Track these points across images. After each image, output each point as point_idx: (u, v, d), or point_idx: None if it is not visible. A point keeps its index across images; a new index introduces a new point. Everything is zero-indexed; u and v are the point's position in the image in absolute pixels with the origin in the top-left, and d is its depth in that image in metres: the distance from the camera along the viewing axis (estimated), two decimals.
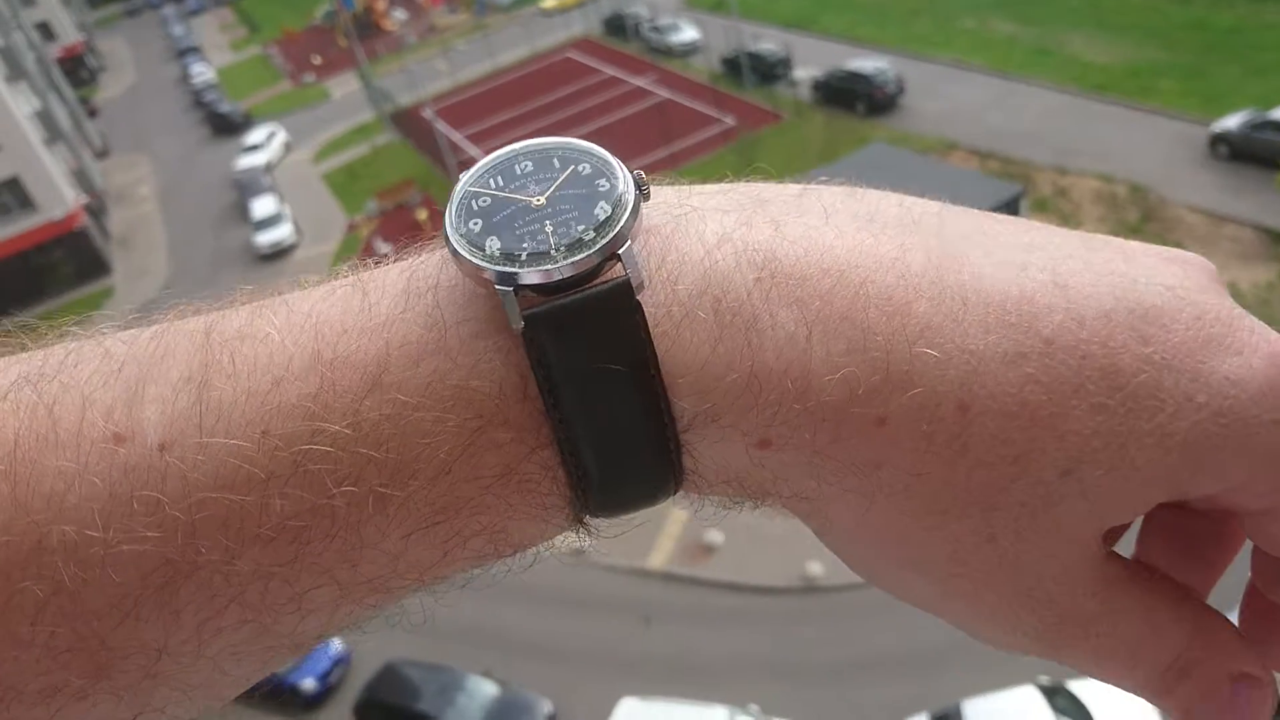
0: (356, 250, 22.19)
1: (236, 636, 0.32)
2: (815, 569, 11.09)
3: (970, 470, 0.33)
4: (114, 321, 0.35)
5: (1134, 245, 0.37)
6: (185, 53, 42.86)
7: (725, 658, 10.76)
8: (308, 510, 0.31)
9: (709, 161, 20.01)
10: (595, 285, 0.33)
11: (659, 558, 12.01)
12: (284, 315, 0.34)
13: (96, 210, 27.62)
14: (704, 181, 0.40)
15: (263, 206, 24.62)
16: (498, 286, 0.33)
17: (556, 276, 0.33)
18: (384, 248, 21.39)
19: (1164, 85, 18.79)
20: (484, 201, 0.36)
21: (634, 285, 0.33)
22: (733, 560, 11.75)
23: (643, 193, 0.36)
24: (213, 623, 0.32)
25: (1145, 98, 18.54)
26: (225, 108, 33.28)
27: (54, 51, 39.55)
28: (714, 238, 0.34)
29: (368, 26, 36.93)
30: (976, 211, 0.39)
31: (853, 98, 20.88)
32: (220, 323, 0.34)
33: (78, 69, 42.77)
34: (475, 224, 0.35)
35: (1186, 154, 16.35)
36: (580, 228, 0.34)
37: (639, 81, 25.70)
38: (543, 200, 0.35)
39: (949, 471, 0.33)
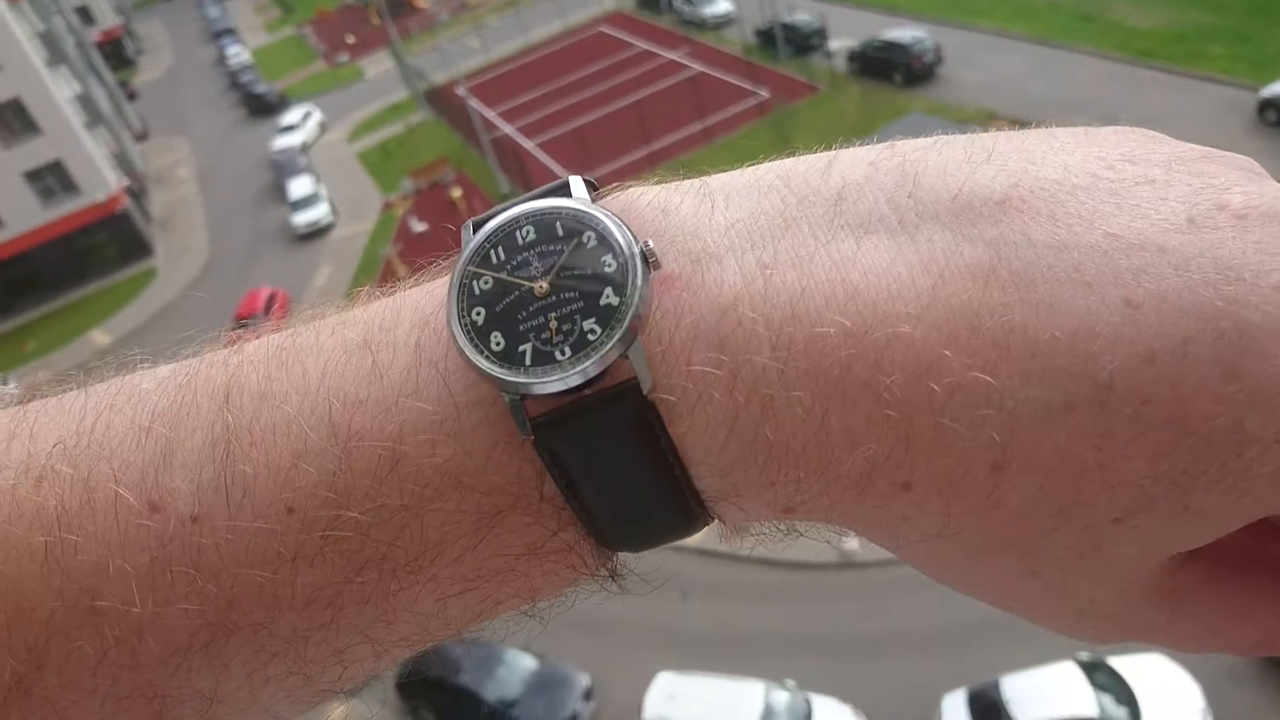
0: (391, 230, 22.32)
1: (286, 685, 0.35)
2: (852, 544, 11.06)
3: (1006, 522, 0.31)
4: (147, 359, 0.37)
5: (1263, 201, 0.31)
6: (221, 34, 43.13)
7: (762, 633, 10.79)
8: (338, 582, 0.33)
9: (743, 135, 19.86)
10: (604, 389, 0.32)
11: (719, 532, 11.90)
12: (299, 376, 0.34)
13: (137, 192, 28.01)
14: (732, 167, 0.37)
15: (299, 186, 24.83)
16: (503, 394, 0.32)
17: (561, 387, 0.32)
18: (418, 226, 21.56)
19: (1211, 50, 18.29)
20: (486, 284, 0.34)
21: (644, 386, 0.31)
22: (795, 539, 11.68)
23: (651, 264, 0.33)
24: (260, 674, 0.34)
25: (1191, 63, 18.07)
26: (261, 89, 33.55)
27: (93, 35, 39.94)
28: (731, 293, 0.32)
29: (400, 5, 36.95)
30: (1056, 157, 0.33)
31: (889, 68, 20.57)
32: (239, 377, 0.34)
33: (116, 52, 43.25)
34: (478, 314, 0.33)
35: (1235, 120, 16.01)
36: (586, 324, 0.32)
37: (672, 55, 25.51)
38: (545, 286, 0.33)
39: (982, 523, 0.32)
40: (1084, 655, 9.27)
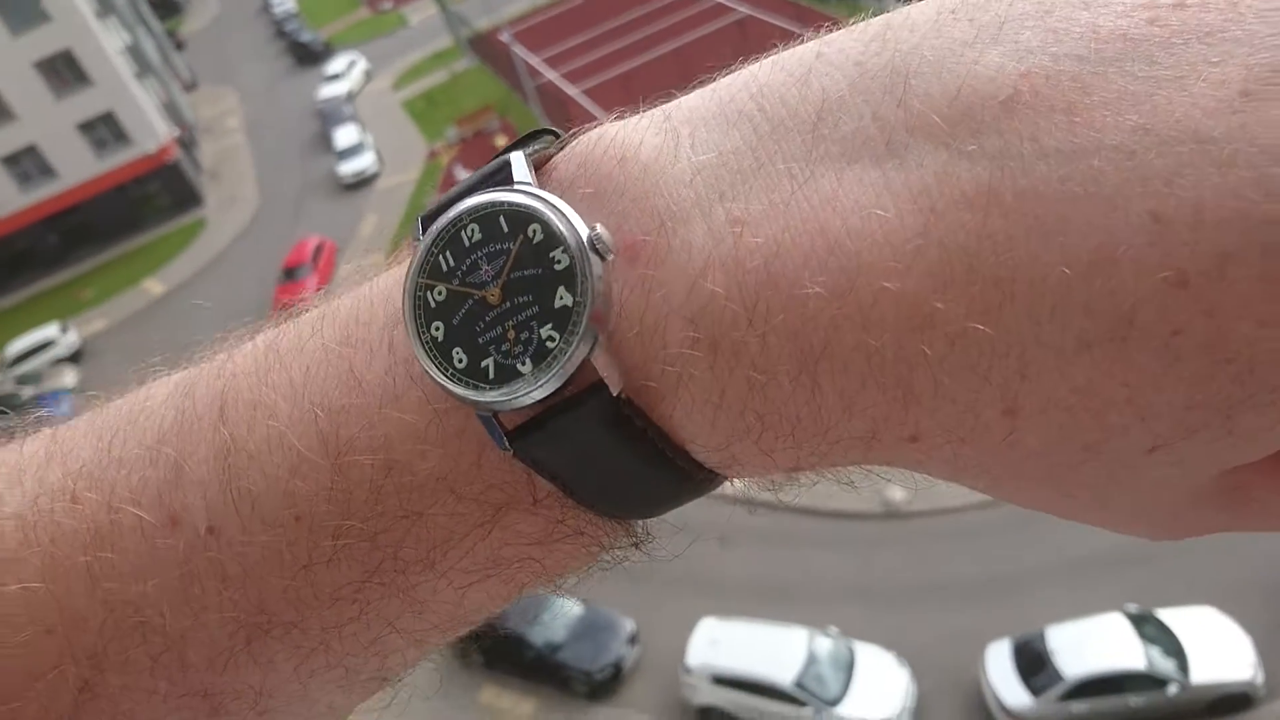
0: (436, 179, 22.35)
1: (329, 676, 0.36)
2: (896, 494, 11.03)
3: (1025, 460, 0.29)
4: (162, 368, 0.38)
5: None
6: None
7: (805, 581, 10.84)
8: (357, 581, 0.33)
9: None
10: (573, 394, 0.31)
11: (738, 481, 11.93)
12: (286, 383, 0.34)
13: (187, 143, 28.29)
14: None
15: (345, 136, 24.88)
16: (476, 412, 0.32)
17: (527, 402, 0.31)
18: (464, 175, 21.41)
19: None
20: (439, 295, 0.32)
21: (612, 386, 0.30)
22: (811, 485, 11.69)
23: (599, 253, 0.30)
24: (304, 667, 0.35)
25: None
26: (306, 37, 33.50)
27: None
28: (701, 260, 0.29)
29: None
30: (1086, 14, 0.27)
31: None
32: (233, 386, 0.35)
33: (164, 1, 43.46)
34: (438, 329, 0.32)
35: None
36: (544, 330, 0.30)
37: None
38: (498, 292, 0.31)
39: (1000, 462, 0.30)
40: (1132, 607, 9.20)
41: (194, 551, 0.33)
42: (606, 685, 10.70)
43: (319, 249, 20.75)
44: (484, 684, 11.08)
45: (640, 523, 0.36)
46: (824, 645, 9.95)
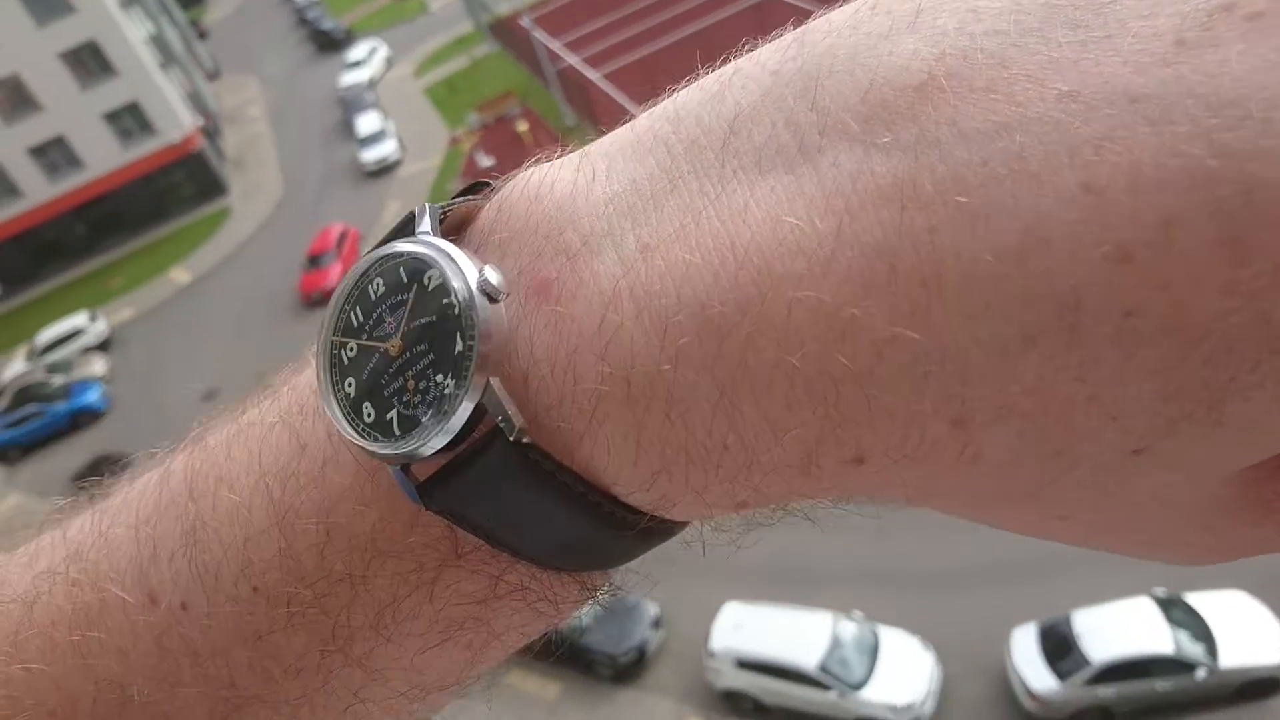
0: (458, 165, 22.38)
1: None
2: None
3: (992, 477, 0.27)
4: (163, 448, 0.39)
5: None
6: None
7: (829, 565, 10.83)
8: (315, 650, 0.33)
9: None
10: (474, 442, 0.30)
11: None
12: (246, 456, 0.34)
13: (211, 132, 28.46)
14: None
15: (367, 123, 24.93)
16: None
17: (429, 453, 0.30)
18: (486, 161, 21.54)
19: None
20: (351, 352, 0.32)
21: (514, 431, 0.29)
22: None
23: (489, 295, 0.29)
24: None
25: None
26: (327, 24, 33.59)
27: None
28: (609, 289, 0.28)
29: None
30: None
31: None
32: (204, 464, 0.35)
33: None
34: (350, 385, 0.32)
35: None
36: (440, 378, 0.30)
37: None
38: (399, 343, 0.31)
39: (966, 482, 0.27)
40: (1159, 591, 9.13)
41: (169, 628, 0.33)
42: (631, 669, 10.74)
43: (343, 236, 20.86)
44: (510, 667, 11.17)
45: (600, 576, 0.34)
46: (848, 629, 9.94)
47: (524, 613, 0.33)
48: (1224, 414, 0.23)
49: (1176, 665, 8.69)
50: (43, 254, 26.42)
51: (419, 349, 0.30)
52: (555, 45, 24.69)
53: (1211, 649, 8.65)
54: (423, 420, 0.30)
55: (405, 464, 0.30)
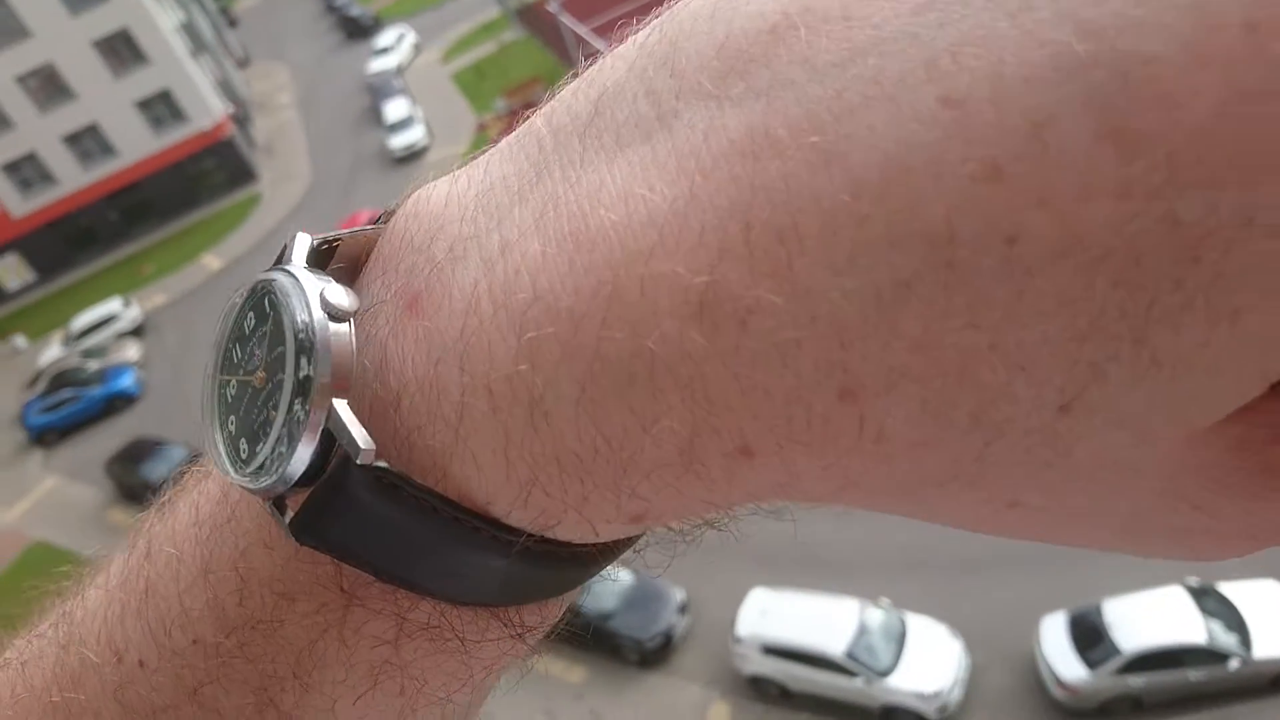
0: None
1: None
2: None
3: (905, 457, 0.24)
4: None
5: None
6: None
7: (857, 552, 10.80)
8: (250, 703, 0.32)
9: None
10: (334, 469, 0.28)
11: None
12: (191, 512, 0.34)
13: (241, 119, 28.68)
14: None
15: (395, 109, 25.04)
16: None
17: (289, 482, 0.28)
18: None
19: None
20: (232, 389, 0.31)
21: (358, 453, 0.27)
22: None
23: (332, 316, 0.28)
24: None
25: None
26: (355, 11, 33.70)
27: None
28: (470, 289, 0.26)
29: None
30: None
31: None
32: (161, 528, 0.35)
33: None
34: (232, 422, 0.31)
35: None
36: (297, 404, 0.28)
37: None
38: (262, 374, 0.30)
39: (878, 465, 0.24)
40: (1193, 580, 9.03)
41: (130, 685, 0.33)
42: (657, 653, 10.78)
43: (372, 222, 20.93)
44: (538, 654, 11.24)
45: (531, 613, 0.32)
46: (875, 616, 9.91)
47: (438, 655, 0.31)
48: (1156, 350, 0.20)
49: (1209, 655, 8.59)
50: (77, 241, 26.80)
51: (279, 378, 0.29)
52: (582, 30, 24.61)
53: (1245, 639, 8.55)
54: (281, 450, 0.28)
55: (279, 498, 0.29)
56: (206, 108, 26.41)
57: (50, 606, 0.39)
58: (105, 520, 16.89)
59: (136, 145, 26.35)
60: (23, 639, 0.39)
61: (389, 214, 0.32)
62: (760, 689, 10.20)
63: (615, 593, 11.15)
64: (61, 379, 20.55)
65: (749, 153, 0.22)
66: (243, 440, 0.30)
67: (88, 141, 26.00)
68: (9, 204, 25.77)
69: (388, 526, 0.28)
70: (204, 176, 27.03)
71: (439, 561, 0.28)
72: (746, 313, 0.22)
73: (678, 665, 10.90)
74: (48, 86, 24.92)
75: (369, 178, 24.35)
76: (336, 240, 0.31)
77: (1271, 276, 0.19)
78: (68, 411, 19.81)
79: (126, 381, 20.03)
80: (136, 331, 22.41)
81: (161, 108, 26.24)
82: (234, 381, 0.31)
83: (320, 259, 0.31)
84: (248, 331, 0.31)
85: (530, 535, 0.28)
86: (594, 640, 10.88)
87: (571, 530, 0.28)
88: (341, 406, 0.27)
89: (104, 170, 26.39)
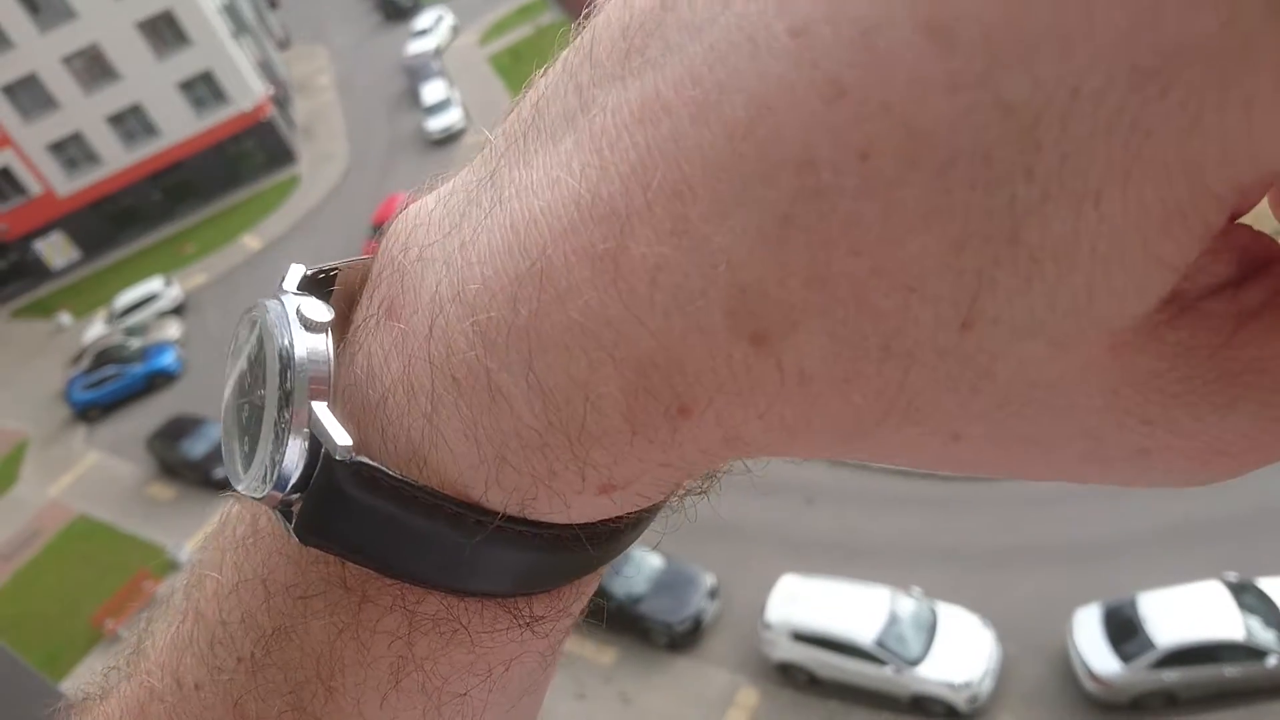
0: None
1: None
2: None
3: (829, 395, 0.24)
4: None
5: None
6: None
7: (889, 542, 10.77)
8: (287, 711, 0.34)
9: None
10: (321, 470, 0.29)
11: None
12: (220, 537, 0.36)
13: (281, 100, 28.91)
14: None
15: (433, 92, 25.13)
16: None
17: (286, 487, 0.30)
18: None
19: None
20: (246, 413, 0.33)
21: (336, 450, 0.28)
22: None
23: (308, 327, 0.30)
24: None
25: None
26: None
27: None
28: (435, 288, 0.28)
29: None
30: None
31: None
32: (203, 555, 0.37)
33: None
34: (246, 442, 0.32)
35: None
36: (282, 416, 0.30)
37: None
38: (261, 394, 0.31)
39: (806, 407, 0.24)
40: (1231, 576, 8.90)
41: (186, 709, 0.35)
42: (687, 638, 10.83)
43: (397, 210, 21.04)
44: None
45: (541, 603, 0.33)
46: (906, 605, 9.89)
47: (450, 649, 0.32)
48: (1032, 247, 0.20)
49: (1246, 652, 8.49)
50: (120, 220, 27.21)
51: (271, 394, 0.31)
52: None
53: None
54: (276, 458, 0.30)
55: (287, 505, 0.30)
56: (247, 89, 26.65)
57: (130, 640, 0.41)
58: (146, 495, 17.23)
59: (179, 126, 26.66)
60: (103, 673, 0.41)
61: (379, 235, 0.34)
62: (789, 675, 10.22)
63: (646, 576, 11.21)
64: (104, 356, 20.93)
65: (645, 119, 0.23)
66: (253, 456, 0.31)
67: (131, 122, 26.35)
68: (55, 183, 26.22)
69: (377, 519, 0.29)
70: (244, 157, 27.31)
71: (428, 550, 0.30)
72: (655, 270, 0.23)
73: (707, 650, 10.94)
74: (92, 67, 25.27)
75: (406, 160, 24.49)
76: (334, 270, 0.33)
77: (1116, 149, 0.19)
78: (110, 388, 20.17)
79: (167, 359, 20.36)
80: (177, 310, 22.75)
81: (203, 89, 26.50)
82: (246, 405, 0.33)
83: (318, 288, 0.33)
84: (253, 358, 0.32)
85: (505, 515, 0.29)
86: (624, 623, 10.97)
87: (546, 506, 0.29)
88: (320, 409, 0.29)
89: (147, 150, 26.74)
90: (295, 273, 0.33)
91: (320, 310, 0.30)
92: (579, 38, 0.27)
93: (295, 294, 0.32)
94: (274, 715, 0.34)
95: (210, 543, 0.37)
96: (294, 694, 0.33)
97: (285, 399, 0.30)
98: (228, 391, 0.34)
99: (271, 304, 0.31)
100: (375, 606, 0.31)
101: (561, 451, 0.27)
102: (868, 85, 0.19)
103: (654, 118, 0.23)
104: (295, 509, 0.30)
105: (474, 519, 0.29)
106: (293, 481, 0.29)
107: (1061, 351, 0.22)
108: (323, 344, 0.30)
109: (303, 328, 0.30)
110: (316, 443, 0.29)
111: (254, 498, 0.31)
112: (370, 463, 0.28)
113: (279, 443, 0.29)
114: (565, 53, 0.28)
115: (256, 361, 0.32)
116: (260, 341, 0.31)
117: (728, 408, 0.25)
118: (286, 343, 0.30)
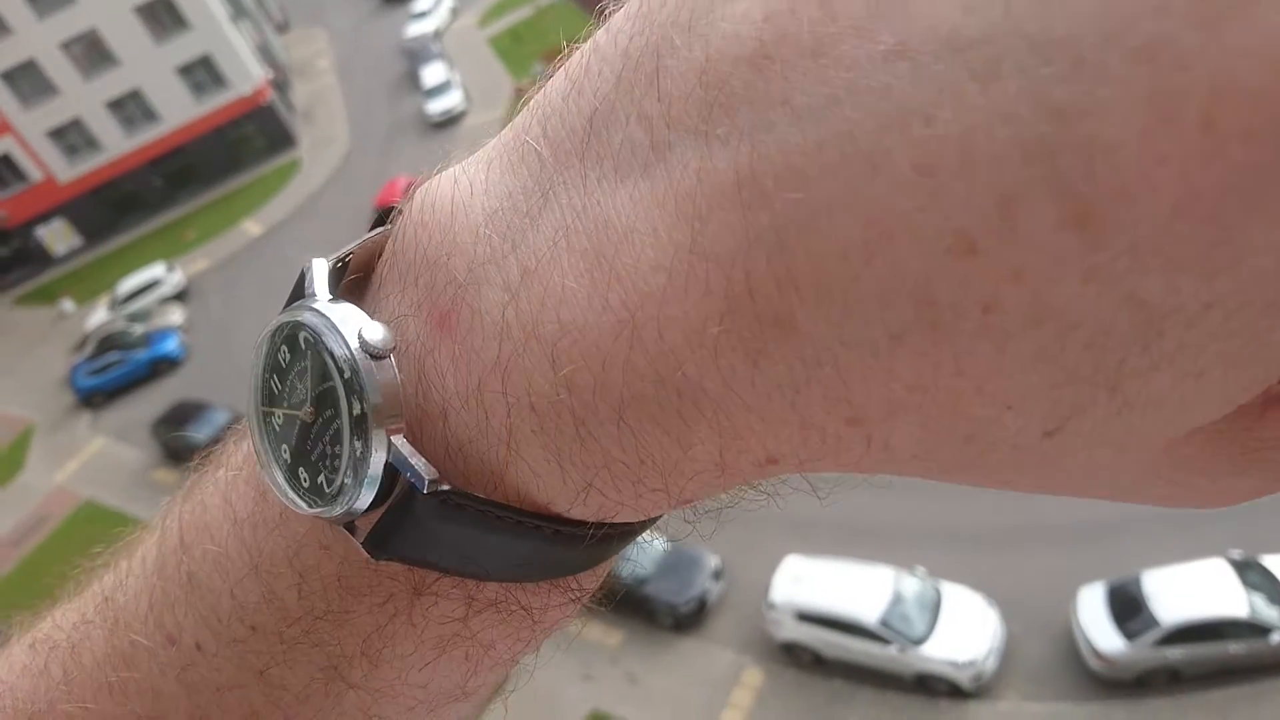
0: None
1: None
2: None
3: (916, 463, 0.26)
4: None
5: None
6: None
7: (893, 522, 10.77)
8: (317, 678, 0.34)
9: None
10: (401, 495, 0.29)
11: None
12: (223, 504, 0.36)
13: (281, 84, 28.79)
14: None
15: (433, 74, 24.99)
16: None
17: (360, 510, 0.30)
18: None
19: None
20: (279, 421, 0.33)
21: (424, 484, 0.28)
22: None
23: (373, 355, 0.29)
24: None
25: None
26: None
27: None
28: (499, 314, 0.27)
29: None
30: None
31: None
32: (191, 517, 0.36)
33: None
34: (285, 451, 0.32)
35: None
36: (350, 440, 0.30)
37: None
38: (311, 410, 0.31)
39: (896, 468, 0.26)
40: (1235, 553, 8.91)
41: (190, 666, 0.35)
42: (692, 618, 10.88)
43: (409, 189, 20.99)
44: (579, 620, 11.39)
45: (588, 577, 0.35)
46: (910, 585, 9.91)
47: (504, 625, 0.34)
48: (1128, 395, 0.22)
49: (1250, 629, 8.51)
50: (121, 206, 27.17)
51: (327, 414, 0.30)
52: None
53: None
54: (347, 483, 0.30)
55: (349, 522, 0.31)
56: (247, 73, 26.53)
57: (84, 585, 0.40)
58: (151, 480, 17.26)
59: (178, 110, 26.56)
60: (64, 617, 0.40)
61: (395, 213, 0.33)
62: (793, 655, 10.26)
63: (650, 558, 11.23)
64: (108, 342, 20.93)
65: (740, 203, 0.22)
66: (301, 469, 0.31)
67: (131, 107, 26.25)
68: (56, 169, 26.17)
69: (456, 537, 0.30)
70: (244, 142, 27.23)
71: (513, 558, 0.31)
72: (757, 355, 0.23)
73: (712, 630, 10.98)
74: (91, 53, 25.16)
75: (407, 142, 24.40)
76: (349, 255, 0.33)
77: (1233, 350, 0.20)
78: (114, 374, 20.19)
79: (170, 345, 20.36)
80: (180, 296, 22.73)
81: (202, 73, 26.39)
82: (279, 413, 0.32)
83: (336, 275, 0.33)
84: (284, 365, 0.32)
85: (599, 526, 0.30)
86: (630, 605, 10.99)
87: (629, 516, 0.30)
88: (400, 442, 0.29)
89: (147, 136, 26.66)
90: (321, 272, 0.32)
91: (381, 335, 0.29)
92: (628, 45, 0.25)
93: (337, 305, 0.31)
94: (303, 681, 0.34)
95: (193, 503, 0.37)
96: (331, 665, 0.34)
97: (358, 427, 0.29)
98: (252, 392, 0.34)
99: (314, 319, 0.30)
100: (433, 595, 0.32)
101: (655, 483, 0.28)
102: (1000, 253, 0.19)
103: (751, 205, 0.22)
104: (358, 523, 0.31)
105: (558, 531, 0.30)
106: (369, 505, 0.30)
107: (1125, 456, 0.24)
108: (391, 371, 0.29)
109: (366, 355, 0.29)
110: (390, 469, 0.29)
111: (321, 517, 0.31)
112: (456, 491, 0.29)
113: (355, 473, 0.29)
114: (612, 57, 0.26)
115: (295, 373, 0.32)
116: (304, 354, 0.31)
117: (815, 462, 0.26)
118: (352, 370, 0.29)
